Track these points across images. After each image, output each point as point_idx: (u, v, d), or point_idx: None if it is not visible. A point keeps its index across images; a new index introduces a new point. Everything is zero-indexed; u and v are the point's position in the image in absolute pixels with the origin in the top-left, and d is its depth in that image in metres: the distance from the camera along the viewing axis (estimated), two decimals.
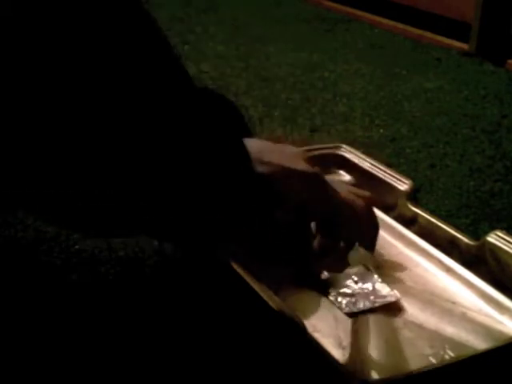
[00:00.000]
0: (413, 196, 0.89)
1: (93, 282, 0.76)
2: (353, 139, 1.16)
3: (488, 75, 1.53)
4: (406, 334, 0.67)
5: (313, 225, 0.68)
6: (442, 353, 0.64)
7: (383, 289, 0.72)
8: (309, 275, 0.73)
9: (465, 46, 1.69)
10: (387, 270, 0.76)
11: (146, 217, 0.51)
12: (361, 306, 0.70)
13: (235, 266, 0.67)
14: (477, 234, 0.86)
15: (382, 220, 0.81)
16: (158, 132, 0.49)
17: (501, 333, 0.67)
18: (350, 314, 0.69)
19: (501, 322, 0.69)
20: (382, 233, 0.73)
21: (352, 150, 0.98)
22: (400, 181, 0.89)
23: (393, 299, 0.71)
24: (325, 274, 0.73)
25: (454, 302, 0.72)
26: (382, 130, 1.22)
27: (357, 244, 0.71)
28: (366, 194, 0.70)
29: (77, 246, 0.82)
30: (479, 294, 0.72)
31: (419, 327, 0.68)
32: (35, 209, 0.51)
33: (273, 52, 1.67)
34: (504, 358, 0.62)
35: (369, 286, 0.72)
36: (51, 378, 0.63)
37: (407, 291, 0.73)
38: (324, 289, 0.72)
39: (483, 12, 1.64)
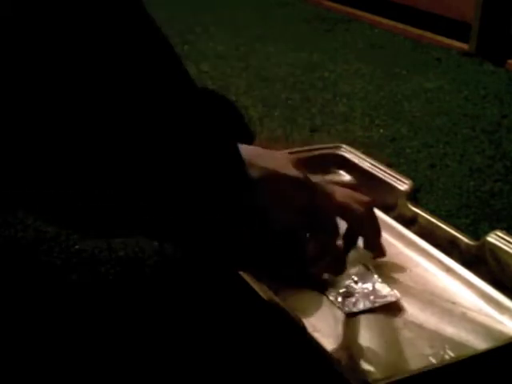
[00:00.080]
0: (413, 196, 0.89)
1: (93, 282, 0.76)
2: (353, 139, 1.16)
3: (488, 75, 1.53)
4: (406, 334, 0.67)
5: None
6: (442, 353, 0.64)
7: (383, 289, 0.72)
8: (308, 276, 0.73)
9: (465, 46, 1.69)
10: (387, 269, 0.76)
11: (146, 217, 0.51)
12: (361, 306, 0.70)
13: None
14: (477, 234, 0.86)
15: (382, 220, 0.81)
16: (157, 132, 0.49)
17: (501, 333, 0.67)
18: (350, 314, 0.69)
19: (501, 322, 0.69)
20: (382, 233, 0.73)
21: (352, 150, 0.98)
22: (400, 181, 0.89)
23: (393, 299, 0.71)
24: (325, 275, 0.73)
25: (453, 302, 0.72)
26: (382, 130, 1.22)
27: (357, 244, 0.71)
28: (365, 198, 0.70)
29: (77, 246, 0.82)
30: (479, 294, 0.72)
31: (419, 327, 0.68)
32: (35, 209, 0.51)
33: (273, 52, 1.67)
34: (504, 357, 0.62)
35: (369, 285, 0.72)
36: (51, 378, 0.63)
37: (407, 291, 0.73)
38: (324, 289, 0.72)
39: (483, 12, 1.64)
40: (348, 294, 0.71)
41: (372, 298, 0.71)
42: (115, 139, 0.47)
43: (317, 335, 0.64)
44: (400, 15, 1.90)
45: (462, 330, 0.67)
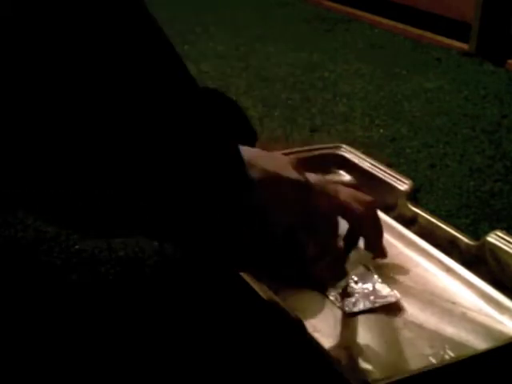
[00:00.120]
0: (413, 196, 0.89)
1: (93, 282, 0.76)
2: (353, 139, 1.16)
3: (488, 75, 1.53)
4: (406, 334, 0.67)
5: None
6: (442, 353, 0.64)
7: (383, 289, 0.72)
8: (308, 276, 0.73)
9: (465, 46, 1.69)
10: (387, 270, 0.76)
11: (146, 217, 0.51)
12: (361, 306, 0.70)
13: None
14: (477, 234, 0.86)
15: (382, 220, 0.81)
16: (158, 131, 0.49)
17: (501, 333, 0.67)
18: (350, 314, 0.69)
19: (501, 322, 0.69)
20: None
21: (352, 150, 0.98)
22: (400, 181, 0.89)
23: (393, 300, 0.71)
24: (325, 275, 0.73)
25: (453, 302, 0.72)
26: (382, 130, 1.22)
27: (358, 245, 0.71)
28: (367, 198, 0.70)
29: (77, 246, 0.82)
30: (479, 294, 0.72)
31: (419, 327, 0.68)
32: (35, 209, 0.51)
33: (273, 52, 1.67)
34: (504, 357, 0.62)
35: (369, 286, 0.72)
36: (51, 378, 0.63)
37: (407, 291, 0.73)
38: (324, 289, 0.72)
39: (483, 12, 1.64)
40: (348, 294, 0.71)
41: (372, 298, 0.71)
42: (116, 139, 0.47)
43: (317, 335, 0.64)
44: (400, 15, 1.90)
45: (462, 329, 0.67)
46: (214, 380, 0.63)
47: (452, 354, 0.64)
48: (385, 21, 1.92)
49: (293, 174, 0.61)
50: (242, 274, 0.67)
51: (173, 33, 0.52)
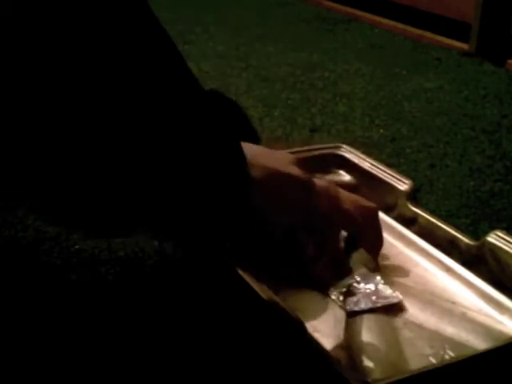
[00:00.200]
0: (413, 196, 0.89)
1: (93, 282, 0.76)
2: (353, 139, 1.16)
3: (488, 75, 1.53)
4: (406, 334, 0.67)
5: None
6: (442, 353, 0.64)
7: (386, 290, 0.71)
8: (308, 276, 0.73)
9: (465, 46, 1.69)
10: (387, 270, 0.76)
11: (146, 216, 0.51)
12: (362, 305, 0.70)
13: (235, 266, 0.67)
14: (477, 234, 0.86)
15: (382, 220, 0.81)
16: (159, 131, 0.49)
17: (501, 333, 0.67)
18: (351, 314, 0.69)
19: (501, 322, 0.69)
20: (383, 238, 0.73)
21: (352, 150, 0.98)
22: (400, 181, 0.89)
23: (395, 301, 0.70)
24: (326, 275, 0.73)
25: (453, 302, 0.72)
26: (382, 130, 1.22)
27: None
28: (370, 205, 0.69)
29: (77, 246, 0.81)
30: (479, 294, 0.72)
31: (419, 327, 0.68)
32: (35, 209, 0.51)
33: (273, 52, 1.67)
34: (504, 357, 0.62)
35: (371, 286, 0.72)
36: (51, 378, 0.63)
37: (407, 291, 0.73)
38: (326, 288, 0.72)
39: (483, 12, 1.64)
40: (350, 294, 0.71)
41: (374, 298, 0.70)
42: (117, 138, 0.47)
43: (317, 335, 0.64)
44: (400, 15, 1.90)
45: (462, 330, 0.67)
46: (214, 380, 0.63)
47: (452, 354, 0.64)
48: (385, 21, 1.92)
49: (294, 173, 0.61)
50: (241, 273, 0.67)
51: (173, 33, 0.52)
